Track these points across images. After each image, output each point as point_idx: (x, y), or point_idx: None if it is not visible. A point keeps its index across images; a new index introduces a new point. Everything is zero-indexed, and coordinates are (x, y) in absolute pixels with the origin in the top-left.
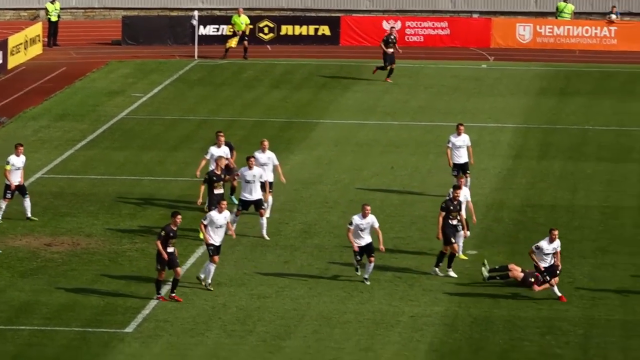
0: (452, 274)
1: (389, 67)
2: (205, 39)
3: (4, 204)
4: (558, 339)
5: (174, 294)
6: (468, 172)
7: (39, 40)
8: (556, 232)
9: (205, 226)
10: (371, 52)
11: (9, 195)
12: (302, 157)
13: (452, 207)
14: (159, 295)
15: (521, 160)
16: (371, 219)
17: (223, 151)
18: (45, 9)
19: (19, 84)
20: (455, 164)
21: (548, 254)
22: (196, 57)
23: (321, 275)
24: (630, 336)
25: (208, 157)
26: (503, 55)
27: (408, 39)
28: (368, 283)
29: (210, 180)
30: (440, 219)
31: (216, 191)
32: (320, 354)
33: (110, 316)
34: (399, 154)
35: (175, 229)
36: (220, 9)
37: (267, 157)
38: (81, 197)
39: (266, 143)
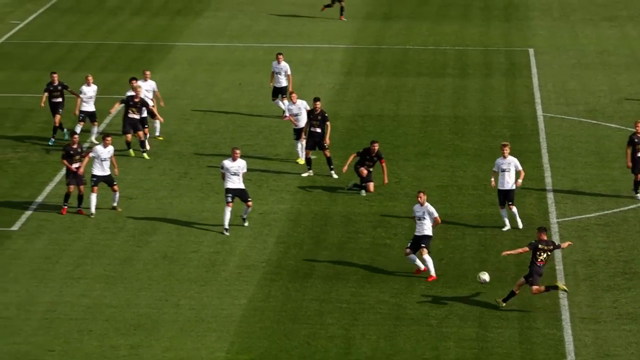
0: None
1: (339, 5)
2: None
3: None
4: (388, 231)
5: (79, 208)
6: (285, 95)
7: None
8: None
9: (91, 158)
10: None
11: None
12: (160, 75)
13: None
14: (64, 206)
15: (352, 77)
16: (242, 163)
17: (149, 85)
18: None
19: None
20: (275, 87)
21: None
22: None
23: (181, 178)
24: (449, 228)
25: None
26: None
27: None
28: (246, 224)
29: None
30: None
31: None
32: (182, 247)
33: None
34: (245, 73)
35: (75, 147)
36: None
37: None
38: None
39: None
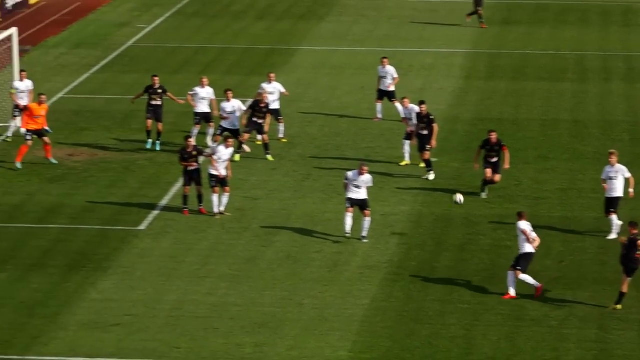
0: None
1: (480, 11)
2: None
3: (13, 123)
4: (508, 233)
5: (201, 206)
6: (394, 98)
7: None
8: None
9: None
10: None
11: (16, 114)
12: (284, 79)
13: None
14: (185, 208)
15: (471, 81)
16: (367, 178)
17: (274, 87)
18: None
19: (40, 16)
20: (380, 90)
21: None
22: None
23: (304, 180)
24: (569, 231)
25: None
26: None
27: None
28: (366, 241)
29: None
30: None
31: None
32: (305, 247)
33: (125, 216)
34: (367, 76)
35: (189, 150)
36: None
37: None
38: (97, 114)
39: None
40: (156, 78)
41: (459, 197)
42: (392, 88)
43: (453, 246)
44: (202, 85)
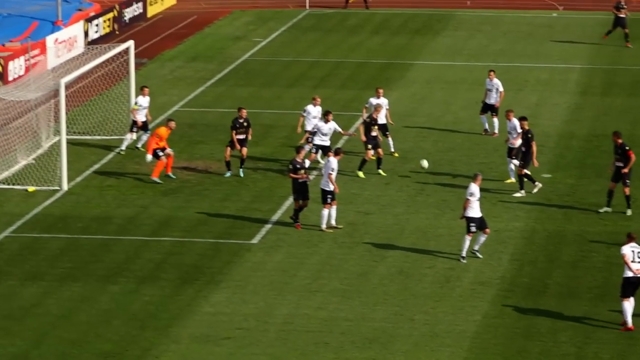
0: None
1: (623, 31)
2: None
3: (129, 137)
4: None
5: (297, 222)
6: (495, 113)
7: None
8: None
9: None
10: (457, 2)
11: (135, 130)
12: (399, 93)
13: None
14: (296, 222)
15: (587, 97)
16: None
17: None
18: None
19: (157, 30)
20: (485, 103)
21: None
22: (307, 7)
23: (417, 195)
24: None
25: (305, 114)
26: (571, 4)
27: None
28: (480, 256)
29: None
30: None
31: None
32: (418, 262)
33: (238, 229)
34: (482, 91)
35: (300, 161)
36: None
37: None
38: (212, 127)
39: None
40: (243, 111)
41: (424, 163)
42: (496, 103)
43: (565, 263)
44: (315, 104)
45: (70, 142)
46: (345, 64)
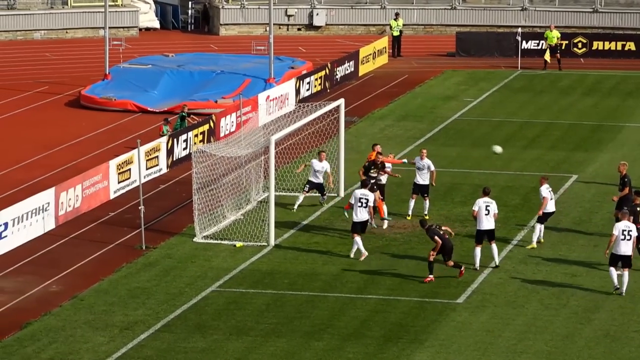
0: None
1: None
2: (527, 52)
3: (301, 196)
4: None
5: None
6: None
7: (385, 52)
8: None
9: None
10: None
11: (306, 189)
12: (609, 155)
13: None
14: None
15: None
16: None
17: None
18: (390, 25)
19: (368, 88)
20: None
21: None
22: (519, 68)
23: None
24: None
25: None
26: None
27: None
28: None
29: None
30: None
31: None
32: (625, 326)
33: (443, 289)
34: None
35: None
36: (540, 26)
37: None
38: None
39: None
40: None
41: (497, 149)
42: None
43: None
44: (422, 158)
45: (278, 199)
46: (557, 125)
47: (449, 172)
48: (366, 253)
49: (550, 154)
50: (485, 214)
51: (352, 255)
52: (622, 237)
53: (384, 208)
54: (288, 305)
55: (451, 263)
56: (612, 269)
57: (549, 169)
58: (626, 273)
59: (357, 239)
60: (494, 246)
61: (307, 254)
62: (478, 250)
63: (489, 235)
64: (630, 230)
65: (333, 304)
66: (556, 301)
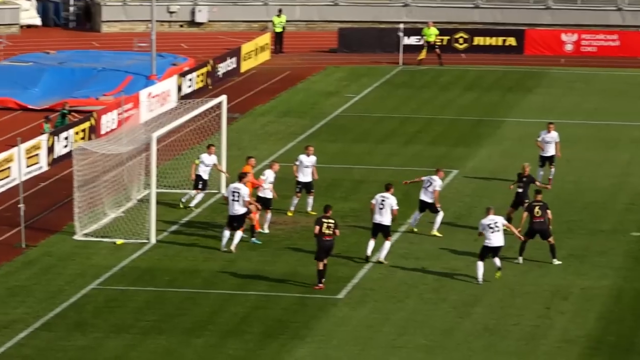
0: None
1: None
2: (408, 48)
3: (193, 193)
4: None
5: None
6: (553, 163)
7: (268, 48)
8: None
9: None
10: (551, 60)
11: (200, 186)
12: (489, 150)
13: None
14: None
15: None
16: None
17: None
18: (272, 21)
19: (250, 85)
20: (541, 156)
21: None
22: (400, 64)
23: (504, 252)
24: None
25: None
26: None
27: (583, 49)
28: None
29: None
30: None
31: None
32: (503, 319)
33: (324, 284)
34: (574, 149)
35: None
36: (422, 22)
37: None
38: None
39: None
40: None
41: None
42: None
43: None
44: (308, 154)
45: (159, 196)
46: (438, 120)
47: (330, 167)
48: (232, 249)
49: (431, 149)
50: (380, 208)
51: (223, 248)
52: (491, 230)
53: (265, 221)
54: (168, 302)
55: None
56: (480, 263)
57: (430, 165)
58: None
59: (226, 232)
60: (387, 243)
61: (188, 251)
62: (371, 242)
63: (381, 229)
64: (497, 222)
65: (213, 301)
66: (436, 295)
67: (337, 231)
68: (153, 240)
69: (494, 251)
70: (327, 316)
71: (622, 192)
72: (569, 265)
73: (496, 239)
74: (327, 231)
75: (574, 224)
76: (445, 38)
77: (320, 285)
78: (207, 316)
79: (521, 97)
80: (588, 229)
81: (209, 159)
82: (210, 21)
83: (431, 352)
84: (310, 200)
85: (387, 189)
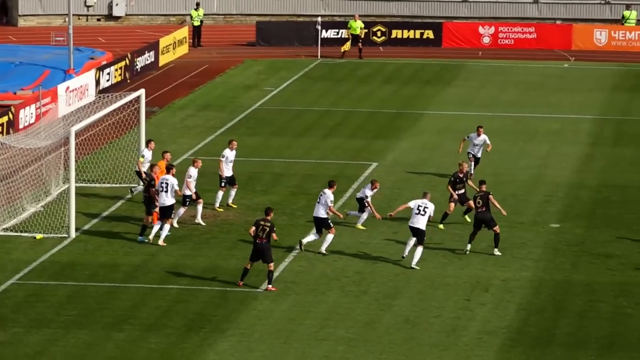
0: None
1: None
2: (326, 42)
3: (140, 188)
4: (629, 300)
5: (269, 286)
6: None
7: (186, 42)
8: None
9: None
10: (469, 53)
11: (144, 183)
12: (409, 143)
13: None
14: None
15: (598, 147)
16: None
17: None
18: (190, 15)
19: (168, 78)
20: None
21: None
22: (319, 57)
23: (425, 244)
24: None
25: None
26: (582, 56)
27: (500, 42)
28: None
29: None
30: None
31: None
32: (424, 311)
33: (245, 278)
34: (492, 141)
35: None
36: (340, 15)
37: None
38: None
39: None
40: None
41: None
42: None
43: (573, 313)
44: (232, 148)
45: (79, 190)
46: (356, 113)
47: (249, 161)
48: (159, 242)
49: (350, 142)
50: (317, 202)
51: (150, 238)
52: (417, 211)
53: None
54: (89, 296)
55: (271, 267)
56: (410, 240)
57: (349, 157)
58: (419, 249)
59: (155, 224)
60: (330, 236)
61: (108, 245)
62: (311, 236)
63: (319, 223)
64: (427, 207)
65: (134, 295)
66: (357, 288)
67: (273, 235)
68: (73, 234)
69: (414, 233)
70: (248, 309)
71: (541, 184)
72: (488, 257)
73: (418, 222)
74: (260, 233)
75: (494, 216)
76: (364, 31)
77: (240, 282)
78: (129, 310)
79: (439, 89)
80: (507, 221)
81: (149, 154)
82: (127, 15)
83: (353, 344)
84: (233, 192)
85: (330, 186)
